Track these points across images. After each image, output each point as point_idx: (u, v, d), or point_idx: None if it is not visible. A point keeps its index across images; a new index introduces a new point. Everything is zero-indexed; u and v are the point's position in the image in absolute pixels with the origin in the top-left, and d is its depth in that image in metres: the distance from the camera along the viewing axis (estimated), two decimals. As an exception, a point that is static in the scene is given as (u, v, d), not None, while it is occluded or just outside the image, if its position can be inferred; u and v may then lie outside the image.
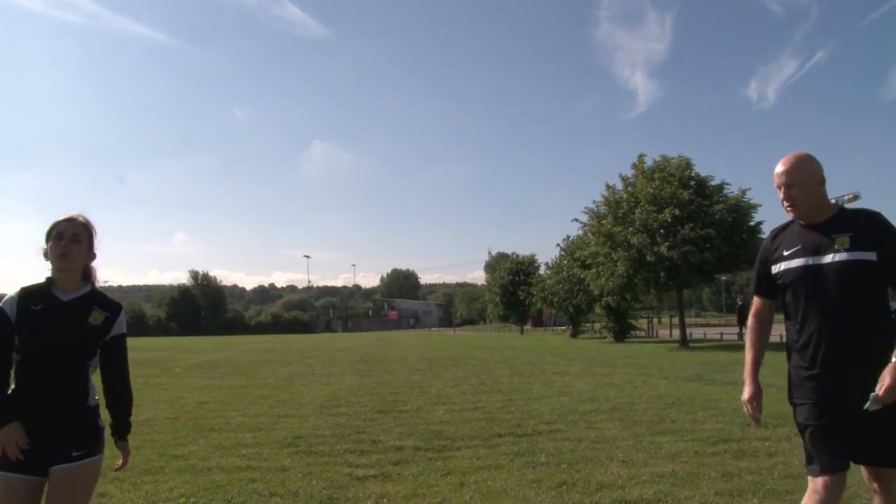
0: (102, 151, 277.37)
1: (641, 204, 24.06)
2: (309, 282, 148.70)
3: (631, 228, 23.94)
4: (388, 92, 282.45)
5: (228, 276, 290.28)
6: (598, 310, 33.60)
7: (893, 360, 2.75)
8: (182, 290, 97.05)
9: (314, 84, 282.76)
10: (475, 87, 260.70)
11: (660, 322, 42.90)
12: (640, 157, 25.77)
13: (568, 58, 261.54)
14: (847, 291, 2.88)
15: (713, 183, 24.87)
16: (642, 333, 37.15)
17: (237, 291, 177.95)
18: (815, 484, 2.88)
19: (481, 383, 12.96)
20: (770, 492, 4.89)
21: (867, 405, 2.75)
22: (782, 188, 3.04)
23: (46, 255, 2.90)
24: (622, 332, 32.37)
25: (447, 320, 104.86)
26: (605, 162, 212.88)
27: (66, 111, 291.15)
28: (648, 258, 23.34)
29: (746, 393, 3.17)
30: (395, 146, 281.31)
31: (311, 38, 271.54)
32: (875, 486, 3.00)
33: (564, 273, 34.82)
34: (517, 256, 54.71)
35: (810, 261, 2.96)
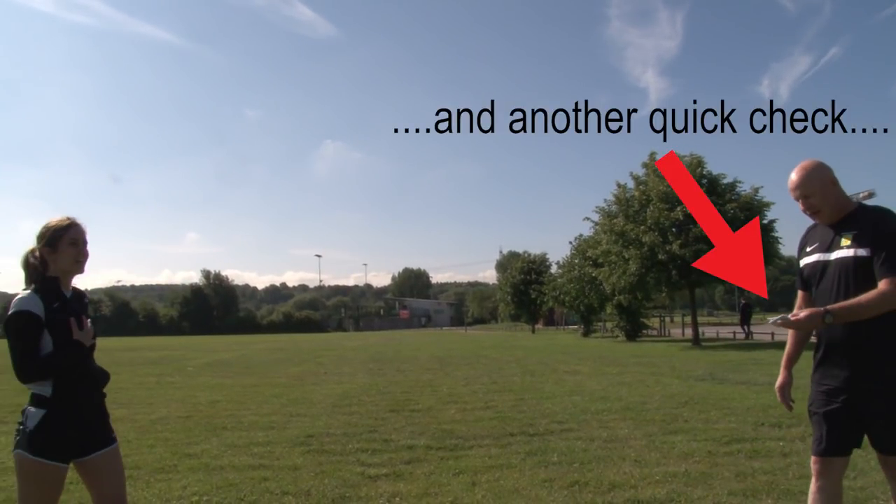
0: (114, 151, 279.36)
1: (653, 202, 23.94)
2: (320, 281, 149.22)
3: (643, 227, 23.83)
4: (399, 90, 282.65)
5: (240, 275, 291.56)
6: (609, 309, 33.48)
7: (823, 309, 2.95)
8: (194, 290, 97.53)
9: (325, 84, 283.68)
10: (485, 84, 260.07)
11: (672, 321, 42.69)
12: (652, 155, 25.66)
13: (578, 56, 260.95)
14: (846, 286, 3.04)
15: (725, 181, 24.71)
16: (654, 332, 36.95)
17: (249, 291, 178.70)
18: (812, 466, 3.19)
19: (493, 382, 12.95)
20: (784, 492, 4.85)
21: (775, 318, 3.08)
22: (800, 200, 3.24)
23: (36, 256, 3.00)
24: (634, 331, 32.22)
25: (458, 319, 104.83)
26: (616, 160, 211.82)
27: (79, 111, 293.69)
28: (660, 256, 23.24)
29: (778, 381, 3.48)
30: (406, 145, 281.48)
31: (322, 38, 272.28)
32: (886, 472, 3.16)
33: (576, 272, 34.71)
34: (528, 255, 54.57)
35: (822, 257, 3.19)
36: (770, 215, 24.07)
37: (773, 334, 27.67)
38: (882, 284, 2.93)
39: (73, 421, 2.91)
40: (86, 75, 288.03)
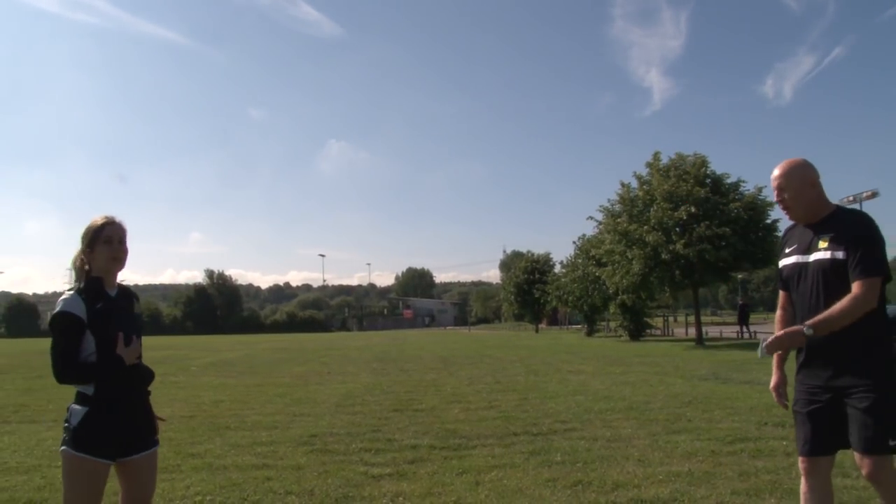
0: (119, 151, 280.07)
1: (657, 202, 23.92)
2: (324, 280, 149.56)
3: (646, 226, 23.81)
4: (403, 90, 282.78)
5: (244, 275, 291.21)
6: (613, 308, 33.44)
7: (802, 325, 3.02)
8: (198, 290, 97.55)
9: (329, 83, 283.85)
10: (489, 85, 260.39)
11: (675, 321, 42.56)
12: (656, 154, 25.65)
13: (583, 56, 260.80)
14: (823, 288, 3.10)
15: (729, 181, 24.67)
16: (658, 332, 36.93)
17: (253, 290, 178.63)
18: (800, 465, 3.24)
19: (496, 382, 12.95)
20: (787, 491, 4.84)
21: (758, 351, 3.16)
22: (775, 193, 3.31)
23: (81, 258, 3.07)
24: (637, 330, 32.20)
25: (462, 319, 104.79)
26: (620, 160, 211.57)
27: (84, 111, 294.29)
28: (664, 256, 23.21)
29: (772, 381, 3.53)
30: (410, 144, 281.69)
31: (326, 38, 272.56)
32: (864, 473, 3.12)
33: (580, 272, 34.71)
34: (532, 255, 54.55)
35: (800, 259, 3.24)
36: (773, 215, 24.07)
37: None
38: (855, 287, 2.98)
39: (116, 418, 2.95)
40: (90, 75, 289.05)
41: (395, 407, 9.67)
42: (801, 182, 3.22)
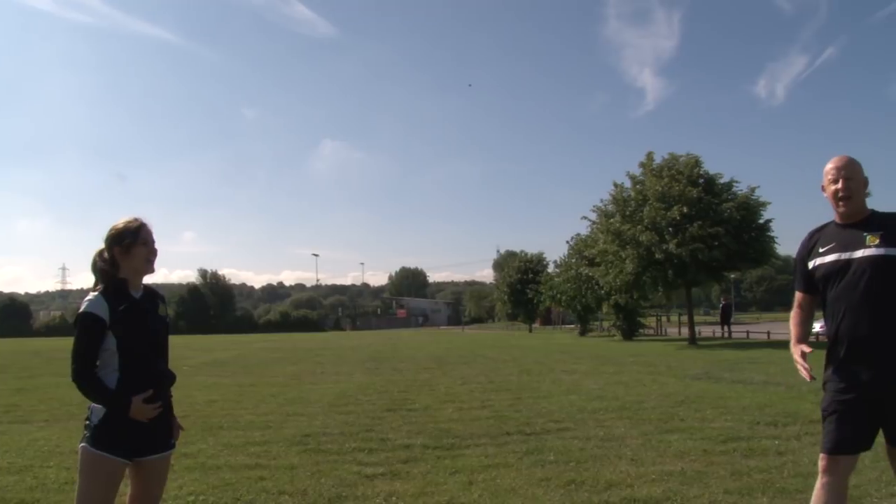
0: (112, 150, 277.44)
1: (650, 202, 23.99)
2: (317, 280, 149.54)
3: (639, 226, 23.88)
4: (397, 90, 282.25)
5: (237, 274, 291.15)
6: (606, 308, 33.53)
7: None
8: (191, 289, 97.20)
9: (323, 83, 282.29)
10: (483, 85, 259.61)
11: (668, 320, 42.69)
12: (649, 154, 25.74)
13: (576, 55, 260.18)
14: (874, 285, 3.09)
15: (722, 181, 24.76)
16: (651, 332, 37.05)
17: (246, 290, 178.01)
18: (819, 462, 3.21)
19: (490, 382, 12.96)
20: (780, 490, 4.87)
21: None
22: (840, 181, 3.25)
23: (105, 258, 3.07)
24: (631, 330, 32.28)
25: (456, 319, 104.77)
26: (613, 160, 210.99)
27: (77, 110, 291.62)
28: (657, 256, 23.29)
29: (800, 349, 3.32)
30: (404, 144, 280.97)
31: (320, 37, 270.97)
32: (893, 464, 3.22)
33: (573, 271, 34.78)
34: (525, 255, 54.65)
35: (843, 256, 3.19)
36: (766, 215, 24.19)
37: (768, 333, 27.74)
38: None
39: (135, 419, 2.95)
40: (83, 74, 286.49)
41: (389, 406, 9.67)
42: (860, 175, 3.28)
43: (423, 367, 17.27)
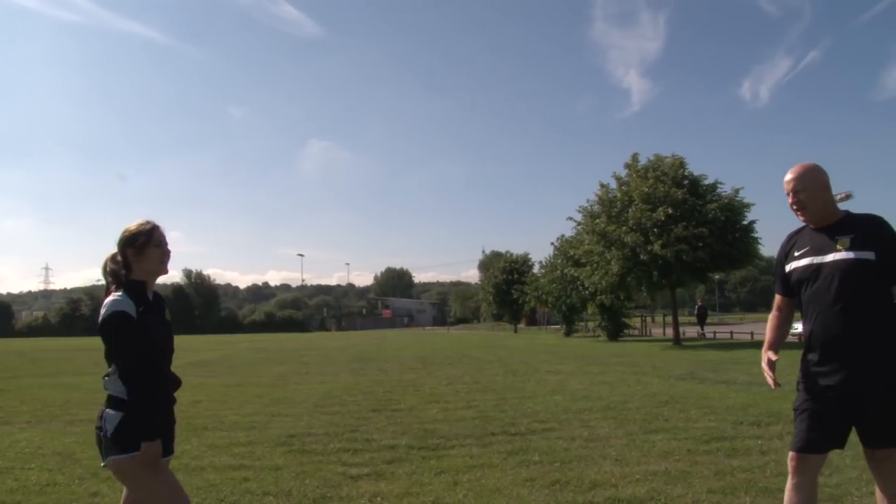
0: (98, 150, 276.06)
1: (635, 203, 24.11)
2: (303, 280, 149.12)
3: (625, 227, 23.99)
4: (384, 90, 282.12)
5: (222, 274, 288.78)
6: (591, 308, 33.65)
7: None
8: (176, 289, 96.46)
9: (310, 83, 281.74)
10: (470, 85, 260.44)
11: (653, 321, 42.92)
12: (634, 156, 25.85)
13: (562, 57, 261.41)
14: (845, 288, 3.11)
15: (706, 182, 24.93)
16: (636, 332, 37.22)
17: (231, 290, 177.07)
18: (789, 463, 3.24)
19: (475, 382, 12.97)
20: (763, 490, 4.90)
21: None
22: (791, 194, 3.32)
23: (117, 261, 3.06)
24: (616, 330, 32.40)
25: (441, 319, 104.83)
26: (599, 161, 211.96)
27: (63, 109, 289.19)
28: (642, 257, 23.40)
29: (767, 357, 3.39)
30: (390, 144, 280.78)
31: (307, 37, 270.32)
32: (871, 466, 3.27)
33: (558, 272, 34.86)
34: (511, 255, 54.78)
35: (815, 260, 3.23)
36: (750, 216, 24.36)
37: (752, 333, 27.95)
38: None
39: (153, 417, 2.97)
40: (68, 72, 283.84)
41: (374, 407, 9.65)
42: (815, 184, 3.28)
43: (408, 367, 17.26)
